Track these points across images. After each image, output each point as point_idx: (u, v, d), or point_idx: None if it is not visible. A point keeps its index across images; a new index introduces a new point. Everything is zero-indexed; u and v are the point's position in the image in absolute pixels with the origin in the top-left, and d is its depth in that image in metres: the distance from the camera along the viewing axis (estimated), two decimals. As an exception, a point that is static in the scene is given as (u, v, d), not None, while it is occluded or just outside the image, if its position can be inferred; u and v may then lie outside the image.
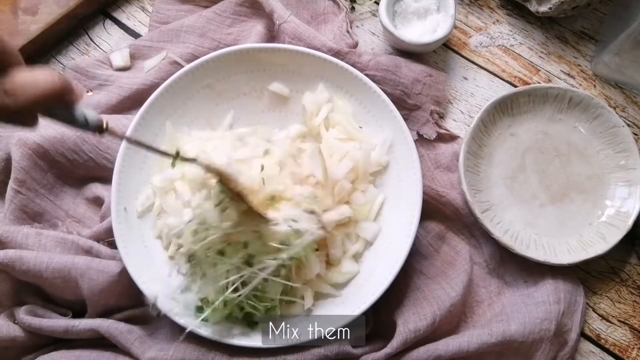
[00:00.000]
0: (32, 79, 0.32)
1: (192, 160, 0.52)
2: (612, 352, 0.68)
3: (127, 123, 0.68)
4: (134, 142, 0.52)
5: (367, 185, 0.67)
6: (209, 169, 0.54)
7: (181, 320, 0.60)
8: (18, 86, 0.31)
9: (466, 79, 0.78)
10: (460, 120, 0.76)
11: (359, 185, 0.67)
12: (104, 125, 0.41)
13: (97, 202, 0.71)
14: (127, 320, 0.64)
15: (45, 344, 0.63)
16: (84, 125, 0.39)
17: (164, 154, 0.52)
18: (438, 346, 0.61)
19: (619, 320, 0.69)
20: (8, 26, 0.74)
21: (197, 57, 0.70)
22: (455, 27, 0.78)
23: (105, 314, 0.64)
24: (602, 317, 0.69)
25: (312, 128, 0.69)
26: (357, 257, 0.66)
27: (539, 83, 0.77)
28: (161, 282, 0.62)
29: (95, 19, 0.80)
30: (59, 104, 0.34)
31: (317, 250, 0.62)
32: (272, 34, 0.76)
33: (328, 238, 0.63)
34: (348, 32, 0.76)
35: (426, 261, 0.69)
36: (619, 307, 0.69)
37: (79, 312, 0.65)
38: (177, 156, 0.51)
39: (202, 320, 0.59)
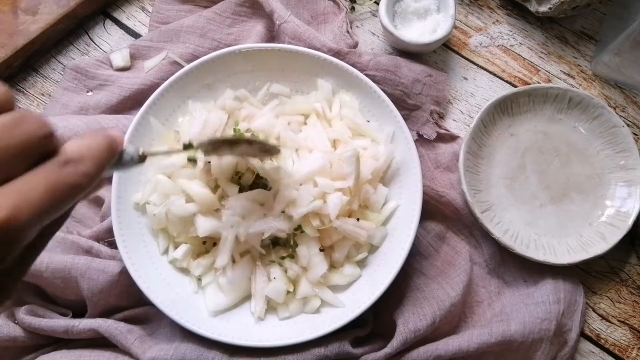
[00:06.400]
0: (83, 143, 0.29)
1: (204, 146, 0.52)
2: (612, 352, 0.68)
3: (127, 123, 0.68)
4: (158, 153, 0.51)
5: (377, 183, 0.67)
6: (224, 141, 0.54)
7: (181, 320, 0.60)
8: (75, 154, 0.28)
9: (466, 79, 0.78)
10: (460, 120, 0.76)
11: (372, 183, 0.66)
12: (144, 154, 0.40)
13: (97, 202, 0.70)
14: (127, 320, 0.64)
15: (46, 344, 0.63)
16: (132, 162, 0.38)
17: (180, 151, 0.51)
18: (438, 346, 0.61)
19: (618, 320, 0.69)
20: (8, 26, 0.74)
21: (197, 57, 0.70)
22: (455, 27, 0.78)
23: (105, 314, 0.64)
24: (602, 317, 0.69)
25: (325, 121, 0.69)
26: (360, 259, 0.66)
27: (539, 83, 0.77)
28: (161, 281, 0.63)
29: (95, 19, 0.80)
30: (114, 156, 0.32)
31: (322, 250, 0.62)
32: (272, 34, 0.76)
33: (336, 240, 0.63)
34: (348, 32, 0.76)
35: (426, 261, 0.69)
36: (619, 307, 0.69)
37: (79, 312, 0.65)
38: (189, 146, 0.49)
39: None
